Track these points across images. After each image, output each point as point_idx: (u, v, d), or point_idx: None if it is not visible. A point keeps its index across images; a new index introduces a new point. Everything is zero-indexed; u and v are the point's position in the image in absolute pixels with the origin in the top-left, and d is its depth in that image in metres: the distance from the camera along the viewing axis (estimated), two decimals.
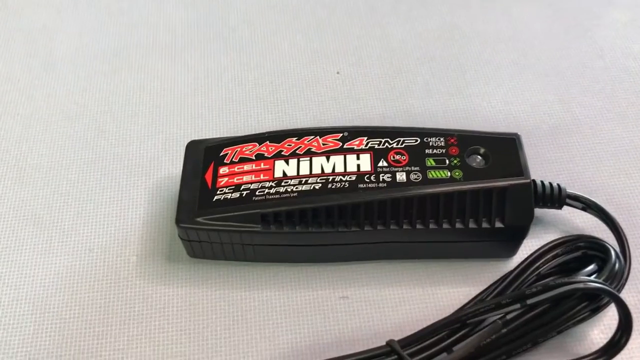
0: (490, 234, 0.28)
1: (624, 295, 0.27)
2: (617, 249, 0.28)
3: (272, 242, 0.28)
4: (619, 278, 0.27)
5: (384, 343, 0.26)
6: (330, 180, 0.28)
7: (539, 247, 0.28)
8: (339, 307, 0.29)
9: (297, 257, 0.30)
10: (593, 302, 0.26)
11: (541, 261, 0.28)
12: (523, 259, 0.28)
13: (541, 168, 0.34)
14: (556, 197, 0.30)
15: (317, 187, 0.28)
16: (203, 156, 0.30)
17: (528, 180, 0.27)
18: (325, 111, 0.37)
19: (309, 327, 0.29)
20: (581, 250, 0.28)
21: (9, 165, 0.35)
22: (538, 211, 0.31)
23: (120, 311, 0.29)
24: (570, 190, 0.30)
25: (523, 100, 0.37)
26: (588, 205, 0.30)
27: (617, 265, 0.27)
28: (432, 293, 0.30)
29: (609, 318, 0.28)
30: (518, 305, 0.26)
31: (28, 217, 0.32)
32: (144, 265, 0.30)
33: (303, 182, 0.28)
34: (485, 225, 0.28)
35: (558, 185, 0.30)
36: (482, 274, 0.30)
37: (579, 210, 0.31)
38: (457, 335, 0.26)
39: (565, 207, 0.30)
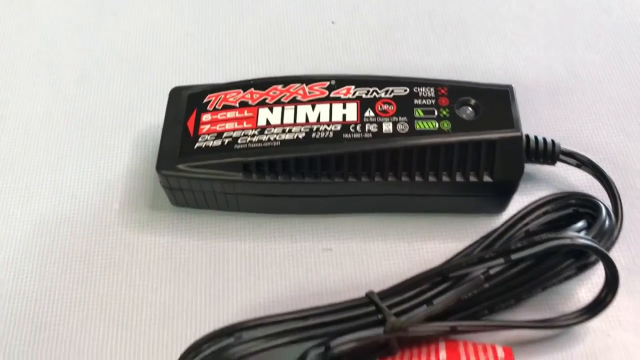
0: (478, 188, 0.27)
1: (614, 254, 0.26)
2: (610, 208, 0.28)
3: (254, 191, 0.28)
4: (608, 236, 0.26)
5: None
6: (314, 129, 0.27)
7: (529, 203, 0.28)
8: (322, 259, 0.29)
9: (280, 208, 0.29)
10: (580, 260, 0.26)
11: (530, 218, 0.27)
12: (512, 215, 0.28)
13: (538, 125, 0.33)
14: (550, 153, 0.29)
15: (300, 137, 0.27)
16: (186, 103, 0.29)
17: (519, 133, 0.26)
18: (319, 62, 0.36)
19: (290, 279, 0.28)
20: (572, 208, 0.28)
21: None
22: (531, 167, 0.30)
23: (102, 258, 0.29)
24: (566, 146, 0.30)
25: (524, 55, 0.36)
26: (582, 162, 0.29)
27: (607, 223, 0.26)
28: (417, 248, 0.29)
29: (598, 277, 0.28)
30: (502, 260, 0.25)
31: (9, 164, 0.32)
32: (126, 213, 0.30)
33: (287, 130, 0.27)
34: (473, 179, 0.27)
35: (552, 140, 0.29)
36: (470, 229, 0.29)
37: (573, 168, 0.30)
38: (439, 289, 0.25)
39: (559, 164, 0.29)
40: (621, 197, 0.28)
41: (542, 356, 0.26)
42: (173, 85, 0.30)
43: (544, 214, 0.28)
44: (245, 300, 0.28)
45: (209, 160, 0.27)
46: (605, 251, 0.24)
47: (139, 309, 0.28)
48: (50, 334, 0.27)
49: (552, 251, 0.25)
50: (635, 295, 0.27)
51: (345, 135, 0.26)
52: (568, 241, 0.25)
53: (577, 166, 0.29)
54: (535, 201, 0.28)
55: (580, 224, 0.26)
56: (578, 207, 0.27)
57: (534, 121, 0.33)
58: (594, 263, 0.27)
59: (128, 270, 0.29)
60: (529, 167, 0.30)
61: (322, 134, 0.27)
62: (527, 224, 0.27)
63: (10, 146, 0.33)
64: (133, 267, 0.29)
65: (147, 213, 0.30)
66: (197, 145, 0.27)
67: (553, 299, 0.27)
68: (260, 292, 0.28)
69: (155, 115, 0.33)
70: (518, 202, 0.29)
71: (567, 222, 0.27)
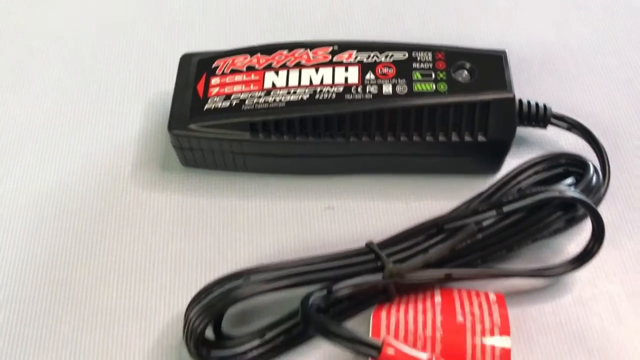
0: (473, 148, 0.29)
1: (601, 211, 0.27)
2: (598, 167, 0.29)
3: (261, 151, 0.29)
4: (595, 192, 0.28)
5: None
6: (318, 91, 0.28)
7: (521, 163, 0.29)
8: (324, 217, 0.30)
9: (285, 168, 0.31)
10: (568, 213, 0.27)
11: (522, 177, 0.29)
12: (504, 174, 0.29)
13: (531, 93, 0.33)
14: (541, 116, 0.30)
15: (304, 98, 0.28)
16: (196, 68, 0.30)
17: (512, 95, 0.28)
18: (322, 31, 0.37)
19: (294, 235, 0.30)
20: (562, 167, 0.29)
21: (8, 78, 0.36)
22: (523, 132, 0.32)
23: (115, 216, 0.31)
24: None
25: (518, 28, 0.37)
26: (573, 125, 0.30)
27: (594, 180, 0.28)
28: (415, 207, 0.30)
29: (586, 233, 0.29)
30: (494, 213, 0.26)
31: (28, 127, 0.33)
32: (138, 174, 0.32)
33: (291, 92, 0.28)
34: (468, 138, 0.28)
35: (544, 104, 0.30)
36: (465, 189, 0.30)
37: (563, 132, 0.31)
38: (434, 240, 0.27)
39: (550, 128, 0.31)
40: (609, 158, 0.30)
41: (531, 305, 0.27)
42: (183, 52, 0.32)
43: (535, 173, 0.29)
44: (252, 254, 0.29)
45: (218, 121, 0.29)
46: (591, 203, 0.26)
47: (151, 262, 0.29)
48: (67, 289, 0.29)
49: (542, 203, 0.26)
50: (620, 249, 0.29)
51: (347, 97, 0.28)
52: (557, 194, 0.26)
53: (568, 129, 0.31)
54: (527, 161, 0.29)
55: (569, 180, 0.28)
56: (568, 166, 0.29)
57: (527, 90, 0.34)
58: (581, 218, 0.28)
59: (141, 226, 0.30)
60: (522, 131, 0.31)
61: (325, 95, 0.28)
62: (519, 182, 0.29)
63: (28, 111, 0.34)
64: (145, 224, 0.30)
65: (158, 174, 0.32)
66: (206, 106, 0.29)
67: (543, 252, 0.29)
68: (265, 247, 0.29)
69: (165, 82, 0.34)
70: (511, 165, 0.30)
71: (557, 180, 0.29)
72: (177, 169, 0.32)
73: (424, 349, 0.24)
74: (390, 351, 0.22)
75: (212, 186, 0.31)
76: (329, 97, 0.28)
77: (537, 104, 0.30)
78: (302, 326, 0.25)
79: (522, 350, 0.27)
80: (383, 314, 0.25)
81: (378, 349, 0.22)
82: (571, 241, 0.29)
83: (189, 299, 0.26)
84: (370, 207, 0.30)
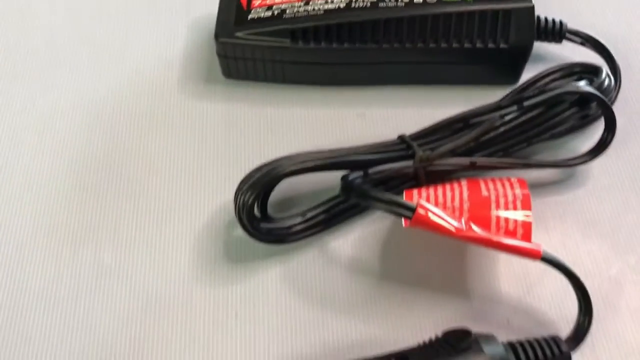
0: (495, 54, 0.31)
1: None
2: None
3: (300, 59, 0.32)
4: (606, 94, 0.30)
5: None
6: (354, 0, 0.31)
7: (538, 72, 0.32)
8: (356, 123, 0.33)
9: (321, 78, 0.33)
10: (583, 110, 0.29)
11: (539, 84, 0.31)
12: (523, 82, 0.32)
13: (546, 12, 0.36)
14: (557, 30, 0.32)
15: (341, 6, 0.31)
16: None
17: (531, 4, 0.30)
18: None
19: (329, 139, 0.32)
20: (577, 75, 0.31)
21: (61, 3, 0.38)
22: (539, 48, 0.34)
23: (163, 124, 0.33)
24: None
25: None
26: (586, 40, 0.33)
27: (606, 82, 0.30)
28: (441, 114, 0.32)
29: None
30: (515, 107, 0.29)
31: (82, 41, 0.36)
32: (184, 86, 0.34)
33: (329, 1, 0.31)
34: (491, 45, 0.31)
35: (560, 20, 0.33)
36: (487, 98, 0.32)
37: (577, 48, 0.34)
38: (461, 133, 0.29)
39: (564, 44, 0.34)
40: (621, 71, 0.33)
41: (549, 196, 0.30)
42: None
43: (552, 81, 0.32)
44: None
45: (261, 29, 0.31)
46: (604, 97, 0.28)
47: (197, 162, 0.32)
48: (118, 177, 0.31)
49: (559, 98, 0.29)
50: (630, 149, 0.32)
51: (381, 5, 0.31)
52: (573, 88, 0.29)
53: (581, 44, 0.33)
54: (544, 71, 0.32)
55: (583, 82, 0.30)
56: (582, 73, 0.31)
57: (542, 9, 0.36)
58: (594, 118, 0.31)
59: (187, 132, 0.33)
60: (538, 48, 0.34)
61: (361, 4, 0.31)
62: (536, 89, 0.31)
63: (82, 32, 0.37)
64: (191, 130, 0.33)
65: (203, 85, 0.34)
66: (250, 16, 0.32)
67: (559, 152, 0.31)
68: (303, 149, 0.32)
69: (208, 4, 0.37)
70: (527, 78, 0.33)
71: None
72: (220, 81, 0.34)
73: (452, 216, 0.26)
74: (423, 212, 0.25)
75: (253, 96, 0.34)
76: (364, 5, 0.31)
77: (553, 20, 0.33)
78: (342, 197, 0.28)
79: (539, 236, 0.29)
80: (414, 191, 0.27)
81: (412, 210, 0.25)
82: (585, 142, 0.32)
83: (234, 192, 0.28)
84: (398, 114, 0.33)
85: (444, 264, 0.29)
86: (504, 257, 0.29)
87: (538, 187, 0.30)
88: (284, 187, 0.30)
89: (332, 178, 0.29)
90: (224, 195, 0.31)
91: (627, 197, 0.30)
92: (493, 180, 0.28)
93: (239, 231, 0.29)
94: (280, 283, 0.28)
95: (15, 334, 0.27)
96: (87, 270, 0.29)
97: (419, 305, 0.28)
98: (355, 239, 0.29)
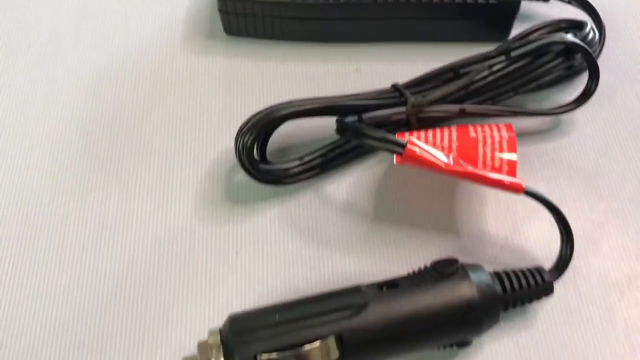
0: (486, 9, 0.32)
1: None
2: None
3: (299, 14, 0.33)
4: (590, 46, 0.31)
5: None
6: None
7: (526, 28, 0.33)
8: (353, 77, 0.34)
9: (318, 34, 0.34)
10: (568, 60, 0.31)
11: (527, 39, 0.33)
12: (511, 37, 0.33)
13: None
14: None
15: None
16: None
17: None
18: None
19: (326, 93, 0.33)
20: (563, 30, 0.33)
21: None
22: (528, 7, 0.35)
23: (167, 80, 0.34)
24: None
25: None
26: None
27: (590, 34, 0.31)
28: (433, 66, 0.34)
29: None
30: (503, 58, 0.30)
31: (83, 11, 0.38)
32: (187, 42, 0.36)
33: None
34: (481, 0, 0.32)
35: None
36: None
37: (565, 6, 0.35)
38: (451, 83, 0.31)
39: (552, 2, 0.35)
40: (605, 29, 0.34)
41: (536, 144, 0.31)
42: None
43: (539, 36, 0.33)
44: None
45: None
46: (587, 47, 0.30)
47: (199, 115, 0.33)
48: (124, 129, 0.32)
49: (545, 49, 0.30)
50: (614, 102, 0.33)
51: None
52: (559, 39, 0.30)
53: (568, 2, 0.34)
54: (532, 26, 0.33)
55: (570, 34, 0.31)
56: (568, 28, 0.33)
57: None
58: (579, 69, 0.32)
59: (190, 86, 0.34)
60: (527, 7, 0.35)
61: None
62: (524, 40, 0.33)
63: None
64: (194, 84, 0.34)
65: (204, 42, 0.36)
66: None
67: (545, 104, 0.32)
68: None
69: None
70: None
71: None
72: (222, 37, 0.36)
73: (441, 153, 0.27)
74: (413, 148, 0.26)
75: (253, 52, 0.35)
76: None
77: None
78: (337, 135, 0.29)
79: (527, 181, 0.31)
80: (406, 133, 0.29)
81: (403, 146, 0.26)
82: (570, 95, 0.33)
83: (231, 138, 0.30)
84: (392, 69, 0.34)
85: (434, 205, 0.30)
86: (491, 199, 0.30)
87: (526, 135, 0.32)
88: (283, 138, 0.31)
89: (329, 129, 0.30)
90: (225, 143, 0.32)
91: (610, 146, 0.32)
92: (481, 125, 0.29)
93: (240, 176, 0.31)
94: (278, 223, 0.30)
95: (28, 282, 0.29)
96: (96, 217, 0.30)
97: (410, 243, 0.29)
98: (349, 184, 0.31)
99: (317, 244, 0.29)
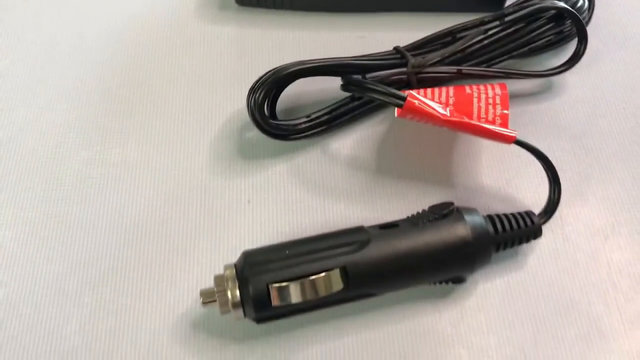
0: None
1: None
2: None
3: None
4: (580, 13, 0.33)
5: None
6: None
7: None
8: (357, 44, 0.36)
9: (325, 4, 0.37)
10: (558, 26, 0.33)
11: (520, 5, 0.35)
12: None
13: None
14: None
15: None
16: None
17: None
18: None
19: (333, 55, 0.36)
20: None
21: None
22: None
23: (182, 46, 0.37)
24: None
25: None
26: None
27: (580, 2, 0.33)
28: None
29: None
30: (497, 22, 0.32)
31: None
32: (200, 12, 0.38)
33: None
34: None
35: None
36: None
37: None
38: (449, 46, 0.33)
39: None
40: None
41: (528, 105, 0.33)
42: None
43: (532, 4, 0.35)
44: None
45: None
46: (576, 12, 0.32)
47: (212, 77, 0.35)
48: (143, 89, 0.35)
49: (537, 13, 0.32)
50: (601, 67, 0.35)
51: None
52: (549, 4, 0.32)
53: None
54: None
55: (561, 1, 0.34)
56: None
57: None
58: (569, 35, 0.34)
59: (204, 52, 0.36)
60: None
61: None
62: (517, 6, 0.35)
63: None
64: (206, 51, 0.36)
65: (217, 11, 0.38)
66: None
67: (538, 69, 0.35)
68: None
69: None
70: None
71: None
72: (233, 7, 0.38)
73: (439, 106, 0.29)
74: (413, 100, 0.28)
75: (263, 21, 0.37)
76: None
77: None
78: (342, 90, 0.31)
79: (519, 135, 0.33)
80: (407, 90, 0.31)
81: (403, 98, 0.28)
82: (561, 61, 0.35)
83: (243, 104, 0.32)
84: (395, 37, 0.36)
85: (432, 160, 0.32)
86: (486, 154, 0.32)
87: (519, 97, 0.34)
88: (292, 99, 0.33)
89: (335, 92, 0.32)
90: (237, 103, 0.34)
91: (598, 106, 0.34)
92: (477, 85, 0.31)
93: (251, 134, 0.33)
94: (287, 176, 0.32)
95: (56, 216, 0.31)
96: (117, 161, 0.32)
97: (410, 194, 0.31)
98: (353, 141, 0.33)
99: (323, 195, 0.31)
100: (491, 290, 0.29)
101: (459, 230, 0.27)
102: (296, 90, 0.33)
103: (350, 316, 0.28)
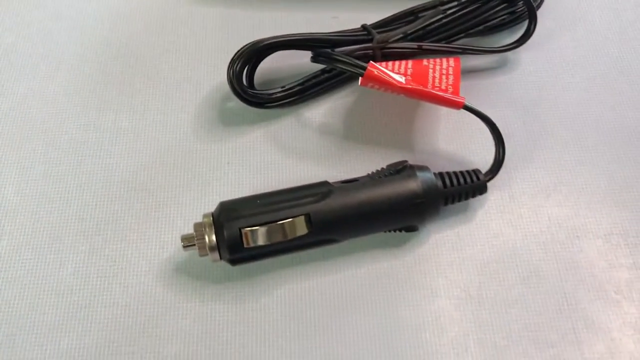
0: None
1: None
2: None
3: None
4: None
5: None
6: None
7: None
8: (330, 24, 0.40)
9: None
10: (510, 6, 0.36)
11: None
12: None
13: None
14: None
15: None
16: None
17: None
18: None
19: None
20: None
21: None
22: None
23: (168, 26, 0.40)
24: None
25: None
26: None
27: None
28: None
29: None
30: (455, 3, 0.36)
31: None
32: None
33: None
34: None
35: None
36: None
37: None
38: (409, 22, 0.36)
39: None
40: None
41: (484, 79, 0.37)
42: None
43: None
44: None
45: None
46: None
47: (197, 51, 0.38)
48: (133, 63, 0.38)
49: None
50: (552, 45, 0.38)
51: None
52: None
53: None
54: None
55: None
56: None
57: None
58: (521, 16, 0.37)
59: (189, 31, 0.40)
60: None
61: None
62: None
63: None
64: (191, 30, 0.40)
65: None
66: None
67: (491, 41, 0.38)
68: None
69: None
70: None
71: None
72: None
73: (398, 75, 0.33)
74: (373, 69, 0.31)
75: (245, 3, 0.41)
76: None
77: None
78: (312, 61, 0.34)
79: (470, 103, 0.36)
80: (370, 63, 0.34)
81: (364, 68, 0.31)
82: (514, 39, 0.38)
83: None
84: (365, 18, 0.39)
85: (394, 128, 0.36)
86: (444, 121, 0.35)
87: (476, 72, 0.37)
88: (269, 73, 0.37)
89: (308, 66, 0.36)
90: (218, 76, 0.38)
91: (547, 80, 0.37)
92: (434, 59, 0.35)
93: (232, 103, 0.36)
94: (263, 140, 0.35)
95: (53, 174, 0.34)
96: (110, 126, 0.36)
97: (373, 157, 0.35)
98: (324, 110, 0.36)
99: (295, 158, 0.35)
100: (442, 239, 0.32)
101: (410, 184, 0.30)
102: (273, 65, 0.37)
103: (315, 262, 0.32)
